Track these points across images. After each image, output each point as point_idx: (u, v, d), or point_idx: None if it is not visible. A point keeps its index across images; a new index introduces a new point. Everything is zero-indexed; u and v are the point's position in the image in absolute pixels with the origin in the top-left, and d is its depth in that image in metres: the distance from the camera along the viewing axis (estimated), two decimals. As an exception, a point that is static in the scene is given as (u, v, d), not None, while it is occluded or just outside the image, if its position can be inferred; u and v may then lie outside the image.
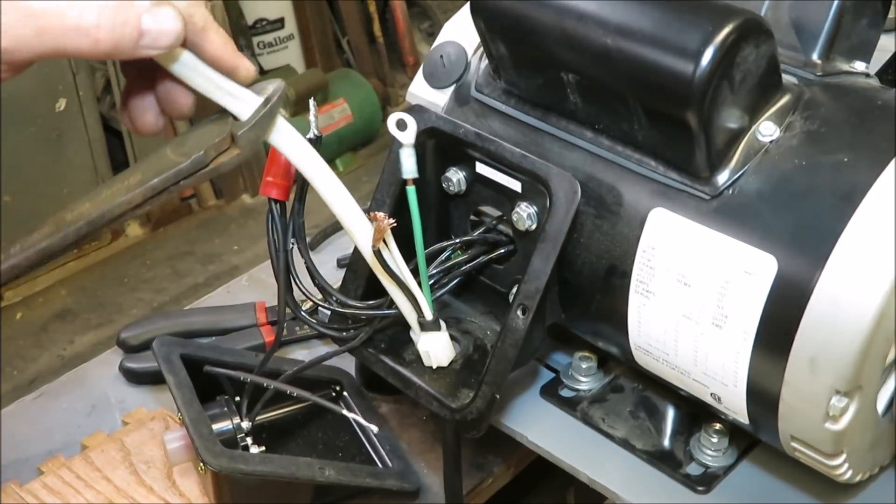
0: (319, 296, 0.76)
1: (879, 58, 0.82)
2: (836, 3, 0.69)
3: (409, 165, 0.70)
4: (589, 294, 0.73)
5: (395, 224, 0.67)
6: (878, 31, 0.73)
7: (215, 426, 0.80)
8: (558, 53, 0.69)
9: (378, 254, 0.69)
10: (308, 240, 0.77)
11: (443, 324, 0.76)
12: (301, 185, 0.73)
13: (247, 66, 0.64)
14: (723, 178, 0.65)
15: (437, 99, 0.81)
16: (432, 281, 0.74)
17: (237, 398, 0.84)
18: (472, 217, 0.79)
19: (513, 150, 0.72)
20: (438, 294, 0.75)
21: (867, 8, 0.71)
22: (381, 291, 0.76)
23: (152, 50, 0.57)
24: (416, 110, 0.77)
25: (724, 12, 0.62)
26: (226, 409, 0.83)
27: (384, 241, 0.69)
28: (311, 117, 0.71)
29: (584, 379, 0.82)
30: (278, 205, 0.73)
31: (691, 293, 0.65)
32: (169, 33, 0.57)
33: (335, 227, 1.15)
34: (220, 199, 2.72)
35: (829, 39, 0.69)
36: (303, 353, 0.99)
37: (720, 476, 0.74)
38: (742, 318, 0.63)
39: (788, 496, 0.73)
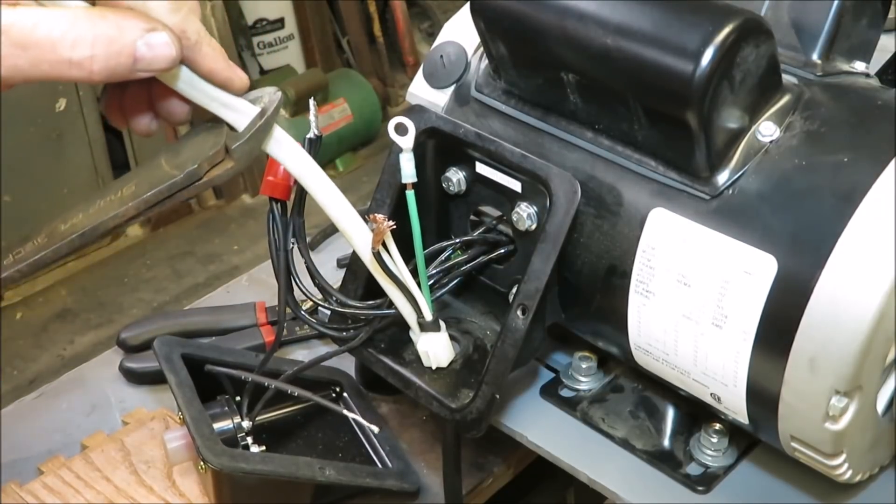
0: (319, 296, 0.76)
1: (879, 58, 0.82)
2: (836, 3, 0.69)
3: (408, 170, 0.70)
4: (589, 294, 0.73)
5: (394, 227, 0.67)
6: (878, 31, 0.73)
7: (216, 425, 0.80)
8: (558, 53, 0.69)
9: (377, 256, 0.69)
10: (308, 240, 0.77)
11: (442, 324, 0.76)
12: (301, 185, 0.73)
13: (240, 77, 0.64)
14: (723, 178, 0.65)
15: (437, 99, 0.81)
16: (432, 281, 0.74)
17: (237, 398, 0.84)
18: (472, 217, 0.79)
19: (513, 150, 0.72)
20: (438, 294, 0.75)
21: (867, 8, 0.71)
22: (380, 292, 0.76)
23: (147, 73, 0.57)
24: (416, 110, 0.77)
25: (724, 12, 0.62)
26: (226, 408, 0.83)
27: (383, 244, 0.69)
28: (311, 117, 0.71)
29: (584, 379, 0.82)
30: (279, 204, 0.73)
31: (691, 293, 0.65)
32: (164, 58, 0.57)
33: (335, 227, 1.15)
34: (220, 199, 2.72)
35: (829, 39, 0.69)
36: (303, 353, 0.99)
37: (720, 476, 0.74)
38: (742, 318, 0.63)
39: (788, 496, 0.73)
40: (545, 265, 0.70)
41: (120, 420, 0.94)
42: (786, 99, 0.66)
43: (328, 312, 0.79)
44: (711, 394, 0.68)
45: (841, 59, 0.70)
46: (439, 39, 0.82)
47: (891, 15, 0.77)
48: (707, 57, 0.61)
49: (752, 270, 0.62)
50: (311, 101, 0.71)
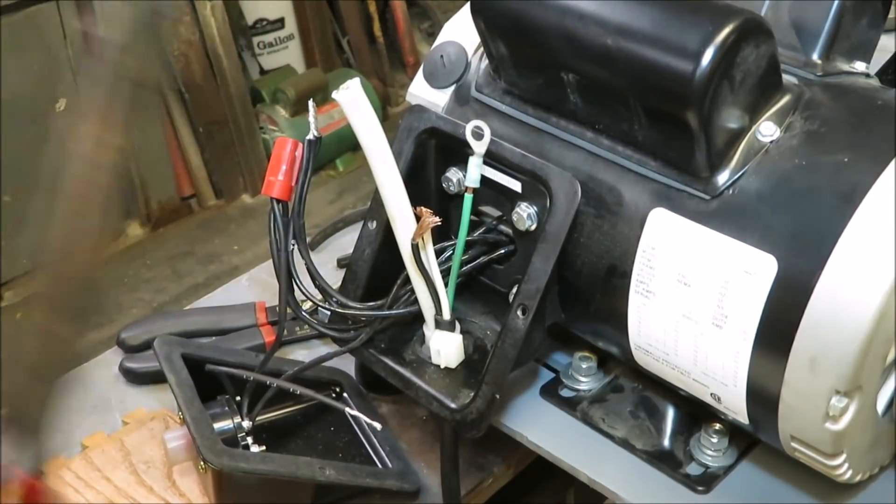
0: (319, 296, 0.76)
1: (879, 58, 0.82)
2: (836, 3, 0.69)
3: (475, 174, 0.72)
4: (589, 294, 0.73)
5: (439, 223, 0.68)
6: (878, 31, 0.73)
7: (216, 425, 0.80)
8: (558, 53, 0.69)
9: (415, 248, 0.70)
10: (308, 240, 0.77)
11: (458, 325, 0.76)
12: (301, 185, 0.73)
13: None
14: (723, 178, 0.65)
15: (437, 99, 0.81)
16: (432, 281, 0.74)
17: (238, 398, 0.84)
18: (472, 217, 0.79)
19: (513, 150, 0.72)
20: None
21: (867, 8, 0.71)
22: (380, 292, 0.76)
23: None
24: (416, 110, 0.77)
25: (724, 12, 0.62)
26: (227, 408, 0.83)
27: (422, 238, 0.69)
28: (311, 118, 0.71)
29: (584, 379, 0.82)
30: (280, 204, 0.73)
31: (691, 293, 0.65)
32: None
33: (335, 227, 1.16)
34: (220, 199, 2.72)
35: (830, 39, 0.69)
36: (303, 354, 0.99)
37: (720, 476, 0.74)
38: (742, 318, 0.63)
39: (788, 496, 0.73)
40: (545, 265, 0.70)
41: (120, 420, 0.94)
42: (786, 99, 0.66)
43: (328, 312, 0.79)
44: (711, 394, 0.68)
45: (841, 59, 0.70)
46: (439, 39, 0.82)
47: (891, 15, 0.77)
48: (707, 57, 0.61)
49: (752, 270, 0.62)
50: (311, 103, 0.71)
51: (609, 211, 0.70)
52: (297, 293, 0.75)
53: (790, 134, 0.65)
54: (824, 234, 0.59)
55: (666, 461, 0.75)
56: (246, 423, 0.82)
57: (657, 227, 0.67)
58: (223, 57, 2.60)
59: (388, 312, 0.76)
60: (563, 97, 0.72)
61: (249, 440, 0.82)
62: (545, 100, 0.74)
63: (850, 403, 0.62)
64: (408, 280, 0.75)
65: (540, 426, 0.79)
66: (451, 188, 0.77)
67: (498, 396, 0.72)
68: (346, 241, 1.13)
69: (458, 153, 0.76)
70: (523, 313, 0.71)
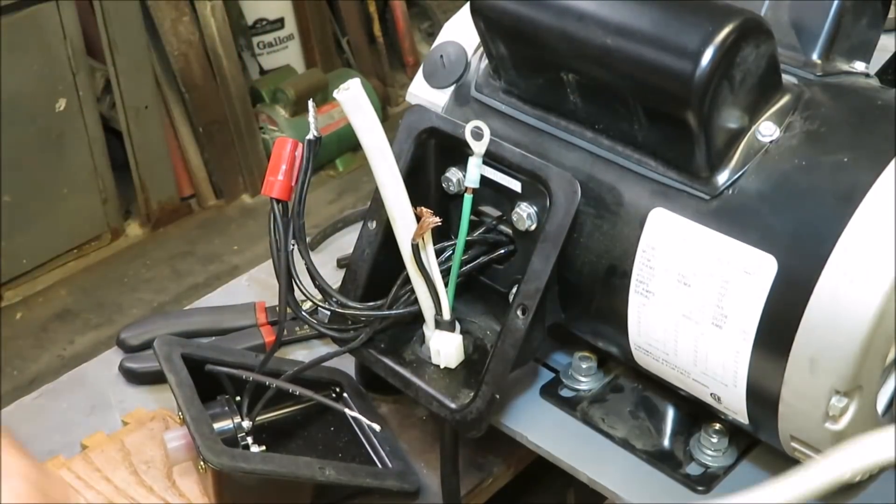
0: (319, 296, 0.76)
1: (879, 58, 0.82)
2: (836, 3, 0.69)
3: (475, 174, 0.72)
4: (589, 294, 0.73)
5: (440, 223, 0.68)
6: (877, 31, 0.73)
7: (216, 425, 0.80)
8: (558, 54, 0.69)
9: (415, 248, 0.70)
10: (308, 240, 0.77)
11: (458, 326, 0.76)
12: (301, 186, 0.73)
13: None
14: (723, 178, 0.65)
15: (437, 99, 0.81)
16: (432, 281, 0.74)
17: (238, 398, 0.84)
18: (472, 217, 0.79)
19: (513, 150, 0.72)
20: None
21: (867, 8, 0.71)
22: (380, 292, 0.76)
23: None
24: (416, 110, 0.77)
25: (723, 12, 0.62)
26: (226, 408, 0.83)
27: (422, 238, 0.69)
28: (311, 118, 0.71)
29: (584, 379, 0.82)
30: (280, 204, 0.73)
31: (691, 293, 0.65)
32: None
33: (335, 227, 1.16)
34: (220, 199, 2.72)
35: (829, 39, 0.69)
36: (303, 354, 0.99)
37: (720, 476, 0.74)
38: (742, 318, 0.63)
39: (788, 496, 0.73)
40: (545, 265, 0.70)
41: (120, 420, 0.94)
42: (786, 99, 0.66)
43: (328, 312, 0.79)
44: (711, 394, 0.68)
45: (841, 59, 0.70)
46: (439, 39, 0.82)
47: (891, 15, 0.77)
48: (707, 57, 0.61)
49: (752, 270, 0.62)
50: (311, 103, 0.71)
51: (609, 211, 0.70)
52: (297, 293, 0.75)
53: (790, 134, 0.65)
54: (824, 234, 0.59)
55: (666, 461, 0.75)
56: (246, 423, 0.82)
57: (657, 227, 0.67)
58: (223, 57, 2.60)
59: (387, 312, 0.76)
60: (563, 97, 0.72)
61: (249, 440, 0.82)
62: (545, 100, 0.74)
63: (850, 403, 0.62)
64: (408, 280, 0.75)
65: (540, 426, 0.79)
66: (451, 188, 0.77)
67: (498, 396, 0.72)
68: (346, 241, 1.13)
69: (457, 153, 0.76)
70: (523, 313, 0.71)
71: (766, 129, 0.65)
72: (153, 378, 0.96)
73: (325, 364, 0.85)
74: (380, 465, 0.86)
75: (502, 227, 0.77)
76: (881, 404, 0.66)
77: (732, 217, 0.64)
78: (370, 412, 0.90)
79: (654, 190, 0.68)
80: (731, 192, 0.65)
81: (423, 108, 0.77)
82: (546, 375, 0.84)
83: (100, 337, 2.30)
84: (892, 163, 0.59)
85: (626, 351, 0.73)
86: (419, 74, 0.83)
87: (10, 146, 2.21)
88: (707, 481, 0.74)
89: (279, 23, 2.91)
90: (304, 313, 0.76)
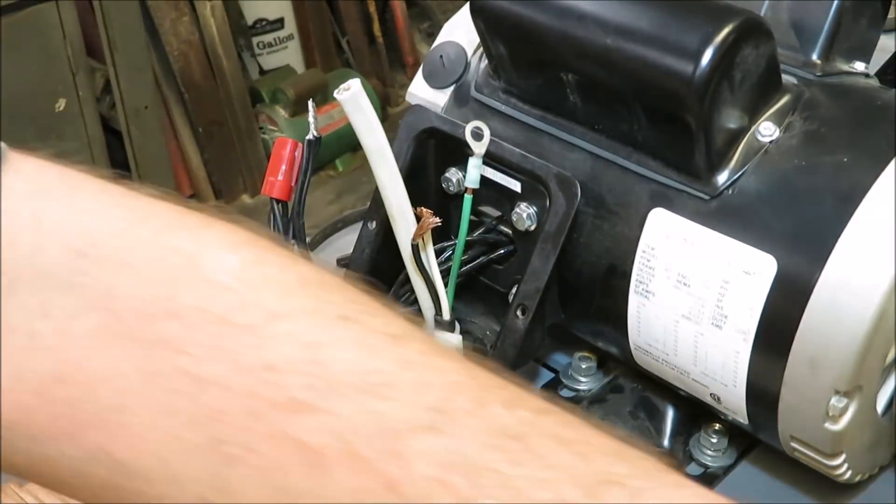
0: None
1: (879, 58, 0.82)
2: (835, 3, 0.69)
3: (474, 175, 0.72)
4: (588, 294, 0.73)
5: (440, 223, 0.68)
6: (877, 32, 0.73)
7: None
8: (558, 54, 0.69)
9: (415, 248, 0.70)
10: (308, 240, 0.77)
11: (457, 326, 0.76)
12: (301, 186, 0.73)
13: None
14: (722, 178, 0.65)
15: (437, 99, 0.81)
16: (432, 281, 0.74)
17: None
18: (471, 217, 0.79)
19: (512, 150, 0.72)
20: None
21: (867, 8, 0.71)
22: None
23: None
24: (416, 110, 0.77)
25: (723, 12, 0.62)
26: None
27: (422, 238, 0.70)
28: (311, 118, 0.71)
29: (584, 379, 0.82)
30: (280, 204, 0.73)
31: (691, 293, 0.65)
32: None
33: (335, 227, 1.15)
34: (220, 200, 2.72)
35: (829, 39, 0.69)
36: (303, 354, 0.99)
37: (720, 476, 0.74)
38: (742, 318, 0.63)
39: (788, 496, 0.73)
40: (545, 265, 0.70)
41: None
42: (785, 99, 0.66)
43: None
44: (711, 394, 0.68)
45: (841, 59, 0.70)
46: (439, 39, 0.82)
47: (891, 15, 0.77)
48: (707, 57, 0.61)
49: (752, 270, 0.62)
50: (311, 103, 0.71)
51: (609, 211, 0.70)
52: (297, 293, 0.75)
53: (790, 134, 0.65)
54: (824, 235, 0.59)
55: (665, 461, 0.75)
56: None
57: (657, 228, 0.67)
58: (223, 57, 2.60)
59: (387, 313, 0.76)
60: (563, 97, 0.72)
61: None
62: (545, 100, 0.74)
63: (849, 403, 0.62)
64: (407, 280, 0.75)
65: (540, 426, 0.79)
66: (451, 188, 0.77)
67: (498, 396, 0.72)
68: (345, 242, 1.13)
69: (457, 153, 0.76)
70: (523, 313, 0.71)
71: (766, 130, 0.65)
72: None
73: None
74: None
75: (502, 228, 0.77)
76: (881, 404, 0.66)
77: (732, 217, 0.64)
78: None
79: (653, 190, 0.68)
80: (730, 192, 0.65)
81: (423, 109, 0.77)
82: (546, 375, 0.84)
83: (100, 337, 2.30)
84: (892, 163, 0.59)
85: (626, 351, 0.73)
86: (419, 74, 0.83)
87: (10, 146, 2.21)
88: (707, 481, 0.74)
89: (279, 23, 2.91)
90: (303, 313, 0.76)
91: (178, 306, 0.41)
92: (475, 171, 0.72)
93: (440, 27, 0.84)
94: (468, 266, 0.76)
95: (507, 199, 0.75)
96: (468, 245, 0.76)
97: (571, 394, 0.81)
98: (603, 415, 0.79)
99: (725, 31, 0.61)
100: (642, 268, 0.68)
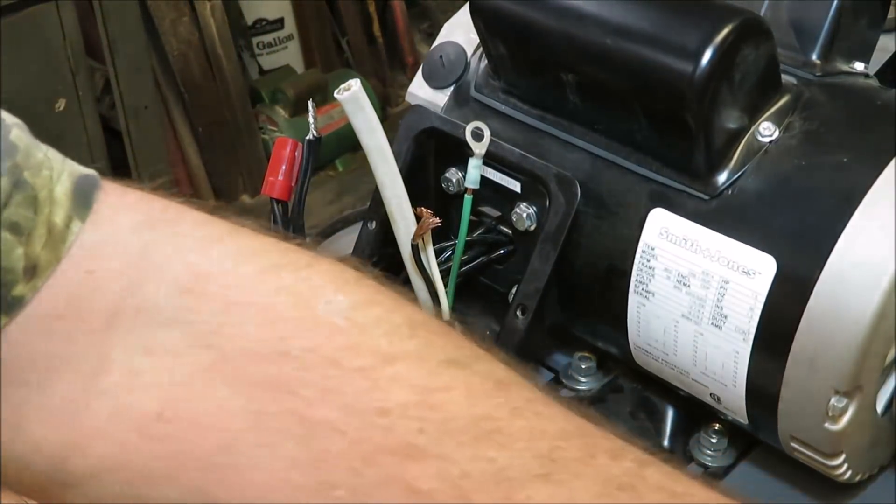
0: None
1: (879, 58, 0.82)
2: (835, 3, 0.69)
3: (475, 175, 0.72)
4: (588, 294, 0.73)
5: (440, 223, 0.68)
6: (877, 32, 0.73)
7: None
8: (558, 54, 0.69)
9: (415, 248, 0.70)
10: (308, 240, 0.77)
11: (458, 326, 0.76)
12: (301, 186, 0.73)
13: None
14: (722, 178, 0.65)
15: (437, 99, 0.81)
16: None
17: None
18: (471, 217, 0.79)
19: (512, 150, 0.72)
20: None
21: (867, 8, 0.71)
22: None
23: None
24: (416, 110, 0.77)
25: (723, 12, 0.62)
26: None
27: (422, 238, 0.70)
28: (311, 118, 0.71)
29: (584, 379, 0.82)
30: (280, 204, 0.73)
31: (690, 293, 0.65)
32: None
33: (335, 227, 1.15)
34: (220, 200, 2.72)
35: (829, 39, 0.69)
36: (302, 354, 0.99)
37: (720, 476, 0.74)
38: (741, 318, 0.63)
39: (788, 496, 0.73)
40: (545, 265, 0.70)
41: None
42: (785, 99, 0.66)
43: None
44: (711, 394, 0.68)
45: (840, 59, 0.70)
46: (439, 39, 0.82)
47: (891, 15, 0.77)
48: (706, 57, 0.61)
49: (752, 270, 0.62)
50: (311, 103, 0.71)
51: (608, 211, 0.70)
52: (297, 293, 0.75)
53: (789, 134, 0.65)
54: (824, 235, 0.59)
55: (666, 461, 0.75)
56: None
57: (656, 228, 0.67)
58: (222, 57, 2.60)
59: (387, 313, 0.76)
60: (563, 97, 0.72)
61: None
62: (545, 100, 0.74)
63: (849, 403, 0.62)
64: (407, 280, 0.75)
65: (539, 426, 0.79)
66: (451, 188, 0.77)
67: (497, 397, 0.72)
68: (344, 242, 1.13)
69: (457, 153, 0.76)
70: (522, 313, 0.71)
71: (766, 130, 0.65)
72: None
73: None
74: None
75: (502, 228, 0.77)
76: (881, 404, 0.66)
77: (732, 217, 0.64)
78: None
79: (653, 190, 0.68)
80: (730, 192, 0.65)
81: (423, 109, 0.77)
82: (546, 376, 0.83)
83: (100, 337, 2.30)
84: (892, 163, 0.59)
85: (626, 351, 0.73)
86: (419, 75, 0.83)
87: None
88: (706, 482, 0.74)
89: (279, 23, 2.91)
90: (303, 313, 0.76)
91: (290, 347, 0.41)
92: (475, 171, 0.72)
93: (440, 27, 0.84)
94: (468, 266, 0.76)
95: (506, 199, 0.75)
96: (468, 245, 0.76)
97: (571, 394, 0.81)
98: (603, 415, 0.79)
99: (725, 31, 0.61)
100: (642, 268, 0.68)
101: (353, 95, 0.67)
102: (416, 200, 0.72)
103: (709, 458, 0.75)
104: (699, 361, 0.67)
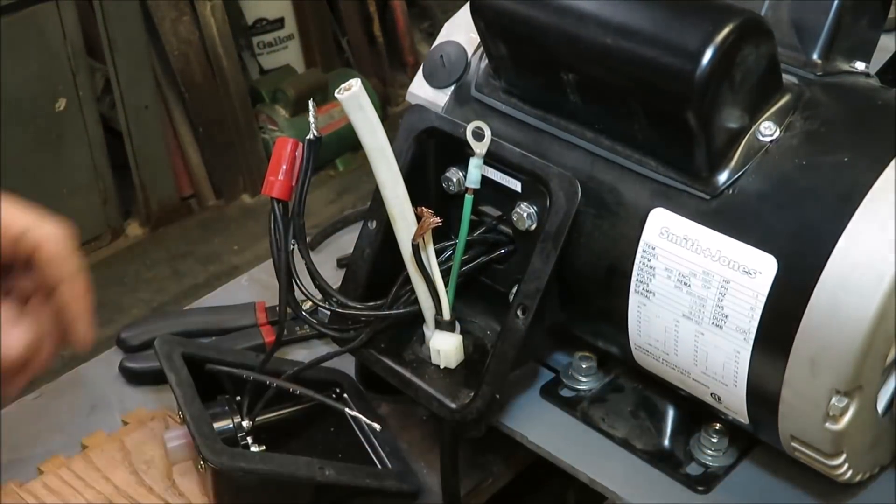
0: (319, 296, 0.76)
1: (879, 58, 0.82)
2: (836, 2, 0.69)
3: (475, 175, 0.72)
4: (589, 294, 0.73)
5: (440, 223, 0.68)
6: (878, 31, 0.73)
7: (216, 425, 0.80)
8: (558, 53, 0.69)
9: (415, 248, 0.70)
10: (308, 240, 0.77)
11: (458, 326, 0.76)
12: (301, 186, 0.73)
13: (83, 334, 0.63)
14: (723, 177, 0.65)
15: (437, 99, 0.81)
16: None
17: (238, 398, 0.84)
18: (472, 217, 0.79)
19: (513, 150, 0.72)
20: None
21: (867, 8, 0.71)
22: (380, 292, 0.76)
23: None
24: (416, 110, 0.77)
25: (724, 12, 0.62)
26: (227, 408, 0.83)
27: (422, 238, 0.70)
28: (311, 118, 0.71)
29: (584, 379, 0.82)
30: (280, 204, 0.73)
31: (691, 293, 0.65)
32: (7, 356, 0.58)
33: (335, 227, 1.15)
34: (220, 199, 2.72)
35: (829, 39, 0.69)
36: (303, 354, 0.99)
37: (720, 476, 0.74)
38: (742, 318, 0.63)
39: (788, 496, 0.73)
40: (545, 265, 0.70)
41: (120, 420, 0.94)
42: (786, 99, 0.66)
43: (328, 312, 0.79)
44: (712, 394, 0.68)
45: (841, 58, 0.70)
46: (439, 39, 0.82)
47: (891, 15, 0.77)
48: (707, 57, 0.61)
49: (753, 270, 0.62)
50: (311, 103, 0.71)
51: (609, 211, 0.70)
52: (297, 293, 0.75)
53: (790, 134, 0.65)
54: (824, 234, 0.59)
55: (666, 461, 0.75)
56: (246, 423, 0.82)
57: (657, 227, 0.67)
58: (223, 57, 2.60)
59: (387, 312, 0.76)
60: (563, 97, 0.71)
61: (249, 440, 0.82)
62: (545, 100, 0.74)
63: (850, 403, 0.62)
64: (408, 280, 0.75)
65: (540, 426, 0.79)
66: (451, 188, 0.77)
67: (498, 396, 0.72)
68: (345, 241, 1.13)
69: (458, 153, 0.76)
70: (523, 313, 0.71)
71: (767, 129, 0.65)
72: (153, 378, 0.96)
73: (325, 364, 0.84)
74: (380, 466, 0.85)
75: (502, 227, 0.77)
76: (881, 404, 0.66)
77: (732, 217, 0.64)
78: (370, 412, 0.90)
79: (654, 190, 0.68)
80: (731, 191, 0.65)
81: (424, 108, 0.77)
82: (546, 375, 0.84)
83: (100, 337, 2.29)
84: (892, 163, 0.59)
85: (627, 351, 0.73)
86: (419, 74, 0.83)
87: (10, 146, 2.21)
88: (707, 481, 0.74)
89: (279, 23, 2.91)
90: (303, 313, 0.76)
91: None
92: (476, 171, 0.72)
93: (440, 27, 0.84)
94: (468, 266, 0.76)
95: (507, 199, 0.75)
96: (468, 245, 0.76)
97: (571, 394, 0.81)
98: (603, 415, 0.79)
99: (726, 30, 0.61)
100: (642, 267, 0.68)
101: (353, 95, 0.67)
102: (416, 200, 0.72)
103: (709, 458, 0.75)
104: (700, 361, 0.67)
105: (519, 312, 0.71)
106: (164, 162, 2.56)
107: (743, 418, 0.68)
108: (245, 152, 2.69)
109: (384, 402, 0.93)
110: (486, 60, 0.78)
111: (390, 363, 0.78)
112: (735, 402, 0.67)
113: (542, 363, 0.85)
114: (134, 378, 0.98)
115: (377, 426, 0.81)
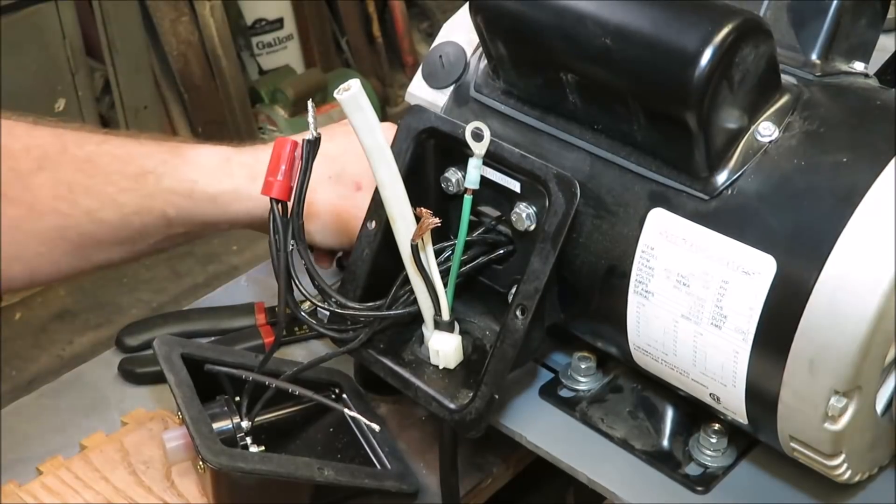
0: (319, 297, 0.76)
1: (879, 58, 0.82)
2: (834, 3, 0.69)
3: (474, 176, 0.72)
4: (588, 294, 0.73)
5: (439, 223, 0.68)
6: (877, 32, 0.73)
7: (215, 425, 0.80)
8: (558, 54, 0.69)
9: (414, 248, 0.70)
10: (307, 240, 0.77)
11: (457, 326, 0.76)
12: (301, 186, 0.73)
13: None
14: (722, 178, 0.65)
15: (437, 99, 0.81)
16: (432, 281, 0.74)
17: (237, 398, 0.84)
18: (471, 217, 0.79)
19: (512, 150, 0.72)
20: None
21: (866, 8, 0.71)
22: (379, 293, 0.76)
23: None
24: (416, 110, 0.77)
25: (723, 12, 0.62)
26: (226, 408, 0.83)
27: (422, 238, 0.70)
28: (310, 118, 0.71)
29: (583, 379, 0.82)
30: (279, 204, 0.73)
31: (690, 293, 0.65)
32: None
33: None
34: (220, 200, 2.72)
35: (829, 39, 0.69)
36: (302, 354, 0.99)
37: (719, 476, 0.74)
38: (741, 318, 0.63)
39: (787, 496, 0.73)
40: (544, 265, 0.70)
41: (119, 420, 0.94)
42: (785, 99, 0.66)
43: (327, 313, 0.79)
44: (710, 394, 0.68)
45: (840, 59, 0.70)
46: (438, 39, 0.82)
47: (890, 15, 0.77)
48: (706, 57, 0.61)
49: (752, 270, 0.62)
50: (310, 103, 0.71)
51: (608, 211, 0.70)
52: (297, 293, 0.75)
53: (789, 134, 0.65)
54: (823, 235, 0.59)
55: (665, 461, 0.75)
56: (245, 424, 0.82)
57: (656, 228, 0.67)
58: (222, 57, 2.60)
59: (386, 313, 0.76)
60: (563, 97, 0.72)
61: (248, 440, 0.82)
62: (544, 100, 0.74)
63: (849, 403, 0.62)
64: (407, 280, 0.75)
65: (539, 426, 0.79)
66: (450, 188, 0.77)
67: (497, 397, 0.72)
68: (345, 242, 1.13)
69: (457, 153, 0.76)
70: (522, 313, 0.71)
71: (766, 130, 0.65)
72: (152, 378, 0.96)
73: (324, 365, 0.85)
74: (379, 466, 0.85)
75: (501, 228, 0.77)
76: (880, 404, 0.66)
77: (731, 217, 0.64)
78: (369, 413, 0.90)
79: (653, 190, 0.68)
80: (730, 192, 0.65)
81: (423, 109, 0.77)
82: (545, 375, 0.84)
83: (99, 337, 2.30)
84: (892, 163, 0.59)
85: (626, 351, 0.73)
86: (418, 75, 0.83)
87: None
88: (706, 481, 0.74)
89: (278, 23, 2.91)
90: (303, 313, 0.76)
91: None
92: (475, 171, 0.72)
93: (439, 27, 0.84)
94: (468, 266, 0.76)
95: (506, 199, 0.75)
96: (468, 245, 0.76)
97: (570, 394, 0.81)
98: (602, 415, 0.79)
99: (725, 31, 0.61)
100: (642, 268, 0.68)
101: (352, 95, 0.67)
102: (415, 200, 0.72)
103: (708, 458, 0.75)
104: (699, 361, 0.67)
105: (518, 313, 0.71)
106: (164, 162, 2.56)
107: (742, 418, 0.68)
108: (244, 152, 2.69)
109: (383, 403, 0.93)
110: (486, 61, 0.78)
111: (389, 363, 0.78)
112: (734, 403, 0.67)
113: (541, 363, 0.85)
114: (133, 378, 0.98)
115: (376, 426, 0.81)
